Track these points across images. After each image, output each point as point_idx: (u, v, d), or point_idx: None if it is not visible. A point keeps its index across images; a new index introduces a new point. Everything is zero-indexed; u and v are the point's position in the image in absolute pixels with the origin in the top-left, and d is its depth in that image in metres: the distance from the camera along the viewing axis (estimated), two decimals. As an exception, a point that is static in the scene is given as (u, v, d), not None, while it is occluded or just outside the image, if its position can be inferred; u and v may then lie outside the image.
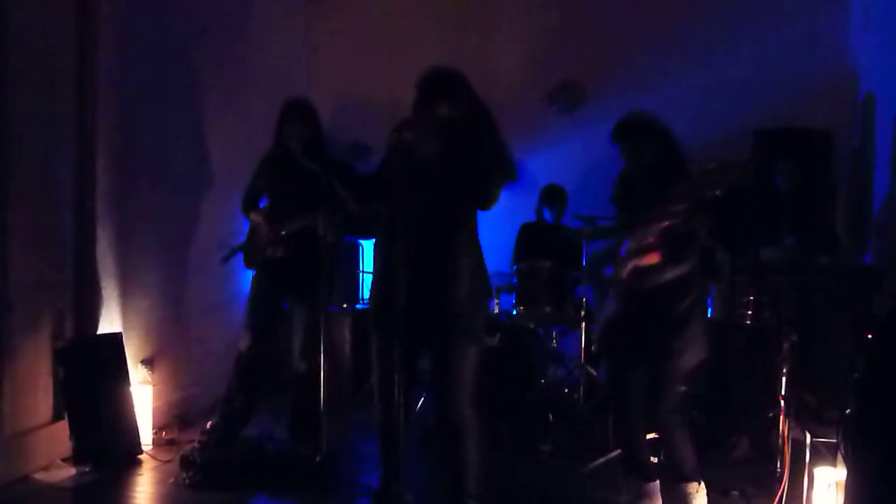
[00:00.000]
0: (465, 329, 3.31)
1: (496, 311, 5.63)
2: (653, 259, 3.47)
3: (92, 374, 4.36)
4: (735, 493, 3.99)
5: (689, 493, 3.65)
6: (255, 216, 4.64)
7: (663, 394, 3.61)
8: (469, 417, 3.31)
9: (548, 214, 5.98)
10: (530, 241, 5.97)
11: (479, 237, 3.43)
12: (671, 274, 3.51)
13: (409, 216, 3.06)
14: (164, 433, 4.82)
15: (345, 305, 6.01)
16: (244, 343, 4.56)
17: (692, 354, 3.58)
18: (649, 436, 3.84)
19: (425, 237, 3.20)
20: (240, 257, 4.71)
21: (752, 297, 4.48)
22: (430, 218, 3.22)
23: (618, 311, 3.70)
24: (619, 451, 4.14)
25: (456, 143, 3.25)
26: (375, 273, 3.52)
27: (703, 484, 3.67)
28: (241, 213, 4.74)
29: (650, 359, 3.61)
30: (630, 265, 3.52)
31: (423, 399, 5.22)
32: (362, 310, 6.06)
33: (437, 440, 3.50)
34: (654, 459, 3.92)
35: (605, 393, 5.42)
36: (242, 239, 4.74)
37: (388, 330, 3.12)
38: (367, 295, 6.32)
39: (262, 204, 4.73)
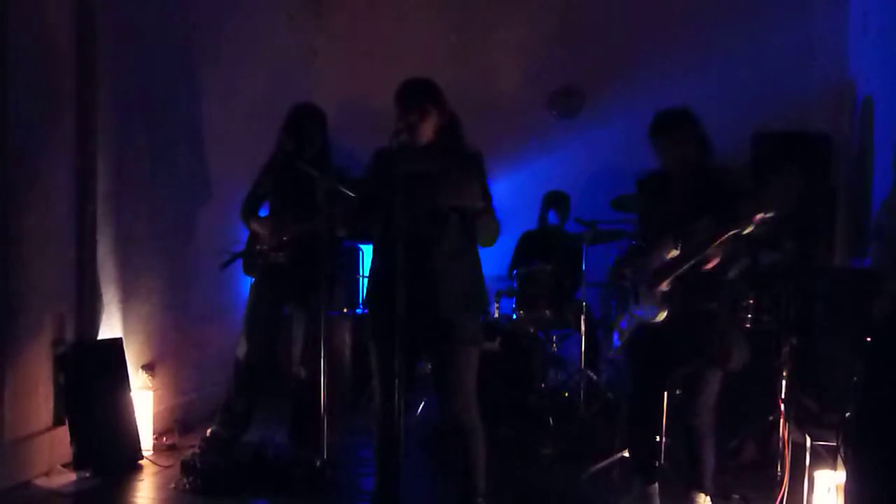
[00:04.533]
0: (463, 333, 3.34)
1: (496, 315, 5.65)
2: (715, 262, 3.44)
3: (92, 380, 4.37)
4: (736, 496, 3.99)
5: None
6: (255, 226, 4.59)
7: (701, 399, 3.60)
8: (476, 420, 3.38)
9: (553, 217, 5.98)
10: (530, 246, 5.98)
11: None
12: (731, 274, 3.50)
13: (405, 223, 3.09)
14: (164, 438, 4.82)
15: (345, 310, 6.01)
16: (241, 350, 4.56)
17: (739, 359, 3.57)
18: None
19: (421, 243, 3.23)
20: (239, 263, 4.70)
21: (752, 301, 4.49)
22: (425, 224, 3.24)
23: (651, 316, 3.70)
24: (625, 450, 4.15)
25: (443, 150, 3.29)
26: (372, 280, 3.52)
27: (710, 497, 3.67)
28: (240, 219, 4.68)
29: (694, 364, 3.60)
30: (677, 272, 3.50)
31: (423, 404, 5.23)
32: (362, 315, 6.07)
33: (445, 444, 3.53)
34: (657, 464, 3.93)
35: (605, 397, 5.44)
36: (242, 246, 4.72)
37: (386, 336, 3.15)
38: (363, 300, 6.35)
39: (262, 212, 4.71)
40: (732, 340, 3.56)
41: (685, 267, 3.44)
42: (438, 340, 3.34)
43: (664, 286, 3.53)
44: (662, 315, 3.55)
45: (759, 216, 3.21)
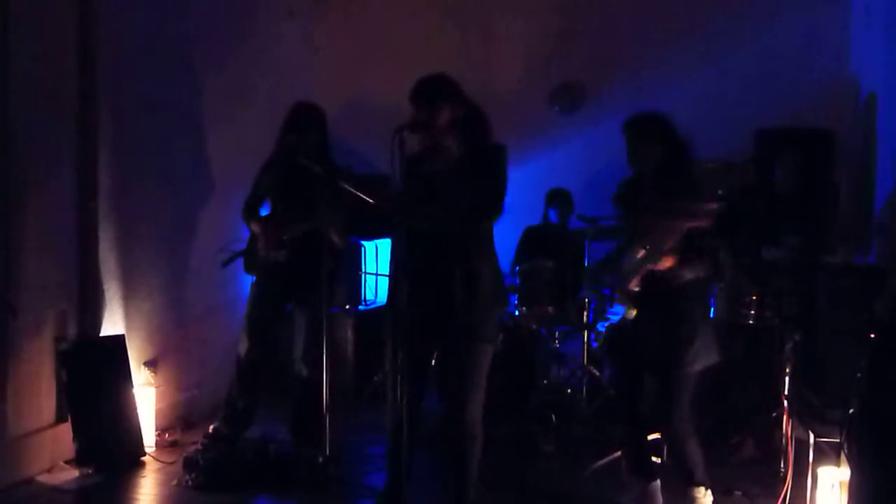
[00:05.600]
0: (483, 333, 3.34)
1: (498, 311, 5.63)
2: (669, 263, 3.45)
3: (95, 376, 4.37)
4: (738, 492, 4.00)
5: (697, 498, 3.66)
6: (255, 226, 4.57)
7: (674, 402, 3.59)
8: (480, 424, 3.38)
9: (553, 216, 5.99)
10: (533, 243, 5.98)
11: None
12: (690, 276, 3.50)
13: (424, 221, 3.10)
14: (167, 435, 4.82)
15: (347, 307, 6.01)
16: (242, 347, 4.56)
17: (701, 361, 3.57)
18: (652, 436, 3.86)
19: (442, 241, 3.22)
20: (240, 262, 4.70)
21: (754, 297, 4.48)
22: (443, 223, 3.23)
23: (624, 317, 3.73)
24: (621, 450, 4.14)
25: (463, 146, 3.28)
26: (392, 276, 3.52)
27: (709, 489, 3.68)
28: (241, 219, 4.67)
29: (659, 366, 3.61)
30: (642, 272, 3.51)
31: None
32: (365, 311, 6.06)
33: (444, 443, 3.52)
34: (657, 460, 3.93)
35: (607, 393, 5.43)
36: (244, 245, 4.72)
37: (400, 332, 3.15)
38: (369, 296, 6.35)
39: (264, 211, 4.71)
40: (693, 342, 3.54)
41: (643, 267, 3.47)
42: (455, 337, 3.33)
43: (633, 286, 3.56)
44: (631, 314, 3.59)
45: (711, 207, 3.27)
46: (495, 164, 3.35)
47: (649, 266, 3.47)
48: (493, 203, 3.31)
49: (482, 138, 3.37)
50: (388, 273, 3.62)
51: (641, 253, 3.51)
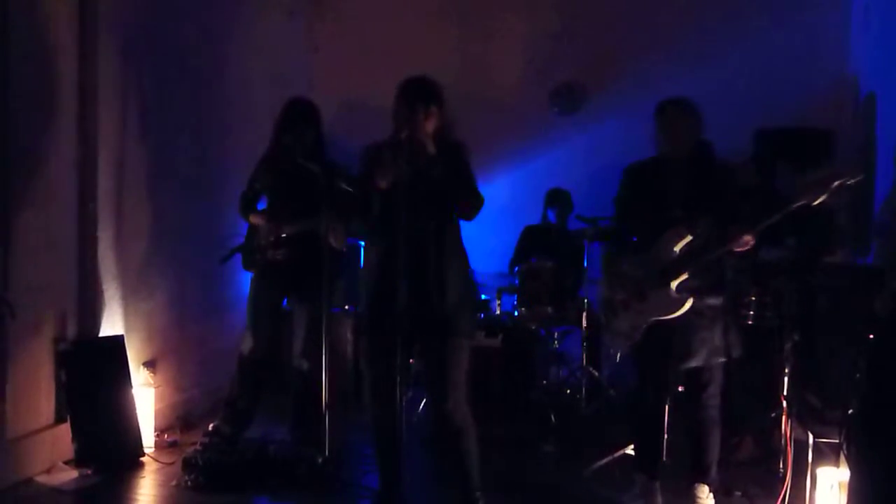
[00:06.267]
0: (461, 328, 3.39)
1: (497, 311, 5.64)
2: (750, 245, 3.46)
3: (94, 377, 4.37)
4: (738, 493, 3.99)
5: (700, 498, 3.66)
6: (254, 219, 4.61)
7: (712, 387, 3.64)
8: (468, 417, 3.42)
9: (552, 216, 6.00)
10: (532, 242, 5.98)
11: (482, 238, 3.48)
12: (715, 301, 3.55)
13: (402, 221, 3.11)
14: (166, 435, 4.82)
15: (346, 307, 6.01)
16: (247, 345, 4.56)
17: (735, 349, 3.63)
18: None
19: (417, 240, 3.24)
20: (239, 258, 4.70)
21: (754, 298, 4.48)
22: (421, 222, 3.25)
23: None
24: (627, 447, 4.15)
25: (443, 150, 3.30)
26: (370, 276, 3.51)
27: (713, 493, 3.68)
28: (239, 215, 4.70)
29: (697, 355, 3.61)
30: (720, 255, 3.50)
31: (424, 402, 5.23)
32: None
33: (439, 440, 3.54)
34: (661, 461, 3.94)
35: (607, 393, 5.44)
36: (241, 240, 4.72)
37: (386, 333, 3.17)
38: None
39: (261, 206, 4.71)
40: (735, 330, 3.63)
41: (721, 250, 3.46)
42: (436, 334, 3.35)
43: (684, 276, 3.52)
44: (688, 305, 3.53)
45: (837, 182, 3.19)
46: (465, 162, 3.39)
47: (726, 249, 3.45)
48: (476, 198, 3.36)
49: (453, 140, 3.41)
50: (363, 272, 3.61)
51: (686, 239, 3.51)
